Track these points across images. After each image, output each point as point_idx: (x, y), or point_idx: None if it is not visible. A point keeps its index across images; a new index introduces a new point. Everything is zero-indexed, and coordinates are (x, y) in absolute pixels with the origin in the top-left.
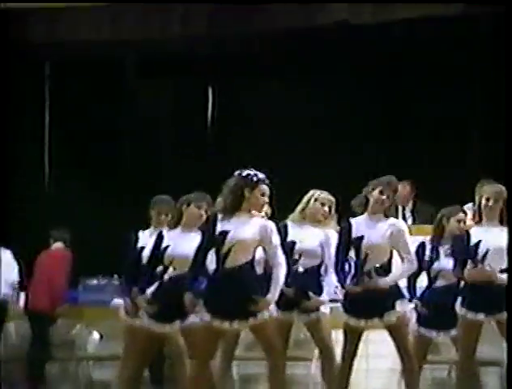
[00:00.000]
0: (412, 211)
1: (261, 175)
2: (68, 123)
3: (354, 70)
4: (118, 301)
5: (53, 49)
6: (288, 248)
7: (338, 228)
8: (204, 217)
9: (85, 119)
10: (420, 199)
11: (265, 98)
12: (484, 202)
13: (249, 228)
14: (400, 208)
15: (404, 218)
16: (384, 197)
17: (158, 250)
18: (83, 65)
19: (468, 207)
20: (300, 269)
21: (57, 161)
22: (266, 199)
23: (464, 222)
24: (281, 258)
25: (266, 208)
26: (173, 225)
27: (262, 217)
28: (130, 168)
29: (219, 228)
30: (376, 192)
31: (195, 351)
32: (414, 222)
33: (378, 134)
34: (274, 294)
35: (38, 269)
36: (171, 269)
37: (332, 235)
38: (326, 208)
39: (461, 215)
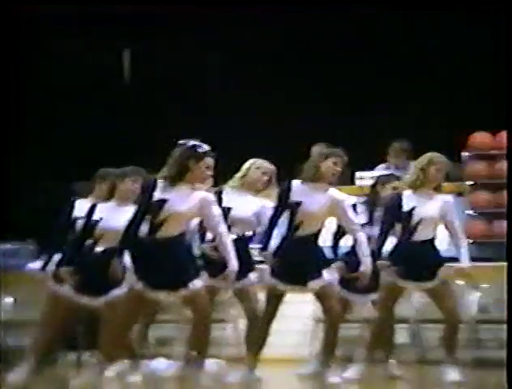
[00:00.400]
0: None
1: (206, 147)
2: None
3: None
4: (34, 266)
5: None
6: (223, 214)
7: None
8: (138, 191)
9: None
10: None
11: (183, 59)
12: (433, 172)
13: (188, 201)
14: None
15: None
16: (338, 168)
17: (89, 221)
18: None
19: (381, 167)
20: (233, 236)
21: None
22: (211, 172)
23: (398, 190)
24: (223, 226)
25: (210, 181)
26: (107, 198)
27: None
28: (49, 135)
29: (158, 196)
30: (330, 162)
31: (119, 317)
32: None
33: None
34: (232, 264)
35: None
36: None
37: (269, 206)
38: (266, 177)
39: (396, 182)
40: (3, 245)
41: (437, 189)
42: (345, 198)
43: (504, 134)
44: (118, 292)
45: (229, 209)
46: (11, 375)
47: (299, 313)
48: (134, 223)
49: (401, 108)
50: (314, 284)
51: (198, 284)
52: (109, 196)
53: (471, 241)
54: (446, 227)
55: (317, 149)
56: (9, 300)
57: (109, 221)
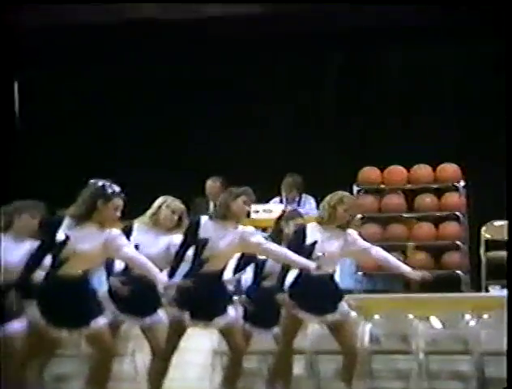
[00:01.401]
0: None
1: (116, 188)
2: None
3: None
4: None
5: None
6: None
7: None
8: (36, 226)
9: None
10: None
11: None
12: (341, 211)
13: (93, 241)
14: (212, 204)
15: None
16: (248, 208)
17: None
18: None
19: (275, 200)
20: (137, 273)
21: None
22: (119, 213)
23: (248, 203)
24: (132, 252)
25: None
26: (3, 230)
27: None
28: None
29: (63, 234)
30: (240, 201)
31: (19, 352)
32: None
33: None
34: (159, 278)
35: None
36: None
37: (177, 242)
38: (176, 217)
39: (299, 219)
40: None
41: (342, 227)
42: (254, 231)
43: (392, 170)
44: (17, 325)
45: (137, 246)
46: None
47: (199, 346)
48: (34, 258)
49: (295, 139)
50: (220, 320)
51: (100, 322)
52: (5, 229)
53: (360, 273)
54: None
55: (211, 183)
56: None
57: (6, 256)
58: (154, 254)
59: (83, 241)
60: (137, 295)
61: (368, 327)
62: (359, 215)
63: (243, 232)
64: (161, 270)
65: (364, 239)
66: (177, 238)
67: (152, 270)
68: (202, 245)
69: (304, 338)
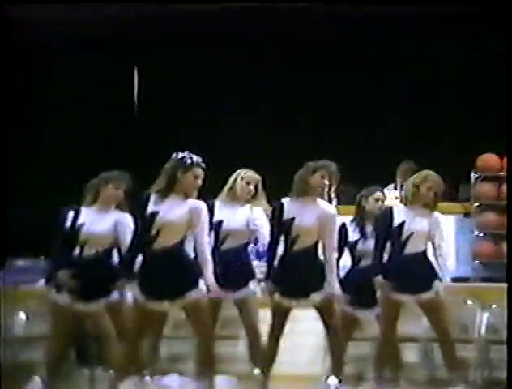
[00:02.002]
0: (337, 193)
1: (196, 158)
2: None
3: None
4: (44, 282)
5: None
6: (216, 227)
7: (267, 206)
8: (121, 197)
9: (8, 98)
10: (343, 181)
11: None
12: (424, 190)
13: (178, 211)
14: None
15: (330, 199)
16: (326, 181)
17: (73, 228)
18: (3, 44)
19: (389, 188)
20: (226, 248)
21: None
22: (199, 182)
23: (382, 201)
24: (205, 238)
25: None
26: (90, 203)
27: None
28: (58, 150)
29: (151, 209)
30: (317, 176)
31: (126, 331)
32: (339, 203)
33: (308, 119)
34: (208, 277)
35: None
36: (87, 247)
37: (259, 213)
38: (252, 187)
39: (378, 194)
40: (16, 261)
41: (428, 206)
42: (335, 212)
43: None
44: (117, 296)
45: (220, 222)
46: None
47: (312, 329)
48: (135, 234)
49: (411, 128)
50: (316, 296)
51: (196, 293)
52: (93, 201)
53: (477, 261)
54: (432, 243)
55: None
56: (22, 316)
57: (93, 226)
58: (235, 229)
59: (170, 212)
60: (227, 269)
61: (485, 316)
62: (476, 203)
63: (324, 209)
64: (249, 241)
65: (482, 227)
66: (258, 213)
67: (207, 267)
68: (288, 225)
69: (418, 325)
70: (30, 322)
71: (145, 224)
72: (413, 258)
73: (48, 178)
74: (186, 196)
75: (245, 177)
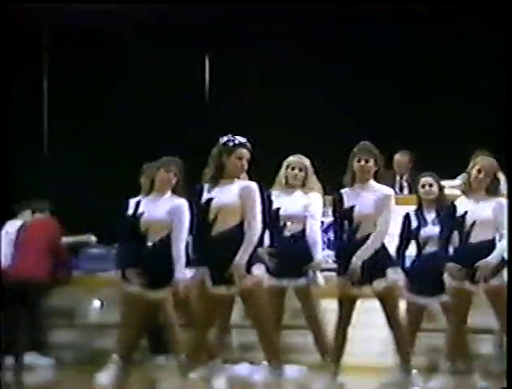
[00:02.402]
0: (410, 181)
1: (239, 139)
2: (67, 91)
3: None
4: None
5: (52, 15)
6: (274, 215)
7: (321, 190)
8: (174, 181)
9: (83, 88)
10: (417, 169)
11: (264, 65)
12: (474, 172)
13: (230, 193)
14: (398, 177)
15: (401, 187)
16: (362, 163)
17: (134, 217)
18: (81, 32)
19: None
20: (287, 234)
21: (56, 129)
22: (244, 163)
23: (430, 185)
24: (257, 221)
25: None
26: (147, 192)
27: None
28: (130, 138)
29: (205, 196)
30: (355, 161)
31: (193, 318)
32: (410, 192)
33: (380, 106)
34: (242, 257)
35: (22, 240)
36: (149, 235)
37: (315, 198)
38: (297, 171)
39: (423, 179)
40: (90, 249)
41: (488, 192)
42: (391, 193)
43: None
44: (182, 279)
45: (278, 209)
46: (100, 377)
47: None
48: (195, 225)
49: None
50: (380, 283)
51: (251, 279)
52: (150, 189)
53: None
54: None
55: (399, 157)
56: (97, 303)
57: (151, 213)
58: (292, 214)
59: (223, 196)
60: (289, 256)
61: None
62: None
63: (381, 193)
64: (303, 230)
65: None
66: (315, 198)
67: (246, 250)
68: (349, 213)
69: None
70: (104, 309)
71: (201, 211)
72: (480, 246)
73: (122, 168)
74: (234, 178)
75: (290, 163)
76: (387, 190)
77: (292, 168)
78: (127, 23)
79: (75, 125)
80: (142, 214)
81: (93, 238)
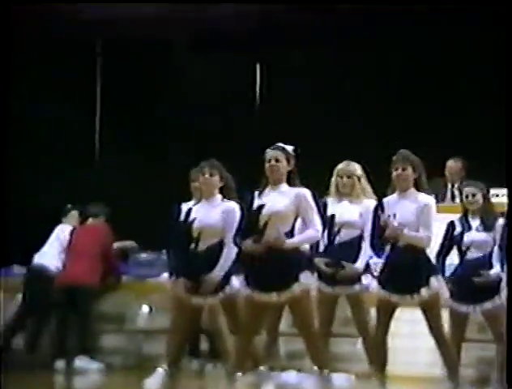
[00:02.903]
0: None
1: (277, 146)
2: (119, 100)
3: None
4: (166, 275)
5: (104, 25)
6: (328, 222)
7: (374, 196)
8: (218, 183)
9: (136, 96)
10: (469, 177)
11: (315, 73)
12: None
13: (283, 200)
14: (449, 185)
15: (453, 195)
16: (399, 172)
17: (186, 223)
18: (134, 42)
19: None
20: (339, 241)
21: (107, 137)
22: (272, 164)
23: (473, 195)
24: (317, 224)
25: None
26: (198, 197)
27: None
28: (181, 145)
29: (257, 203)
30: (393, 170)
31: (240, 325)
32: (461, 200)
33: (431, 113)
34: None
35: (74, 244)
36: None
37: (370, 205)
38: (345, 179)
39: (466, 189)
40: (139, 255)
41: None
42: (431, 202)
43: None
44: (232, 289)
45: (333, 216)
46: (148, 382)
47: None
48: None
49: None
50: (424, 292)
51: (297, 288)
52: (200, 195)
53: None
54: None
55: (452, 163)
56: (145, 308)
57: (203, 219)
58: (348, 221)
59: (275, 202)
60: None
61: None
62: None
63: (421, 202)
64: (360, 235)
65: None
66: (363, 207)
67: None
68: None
69: None
70: (153, 315)
71: (252, 218)
72: None
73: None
74: (281, 184)
75: (338, 171)
76: (427, 198)
77: (341, 177)
78: (178, 32)
79: (127, 130)
80: (194, 220)
81: (135, 245)
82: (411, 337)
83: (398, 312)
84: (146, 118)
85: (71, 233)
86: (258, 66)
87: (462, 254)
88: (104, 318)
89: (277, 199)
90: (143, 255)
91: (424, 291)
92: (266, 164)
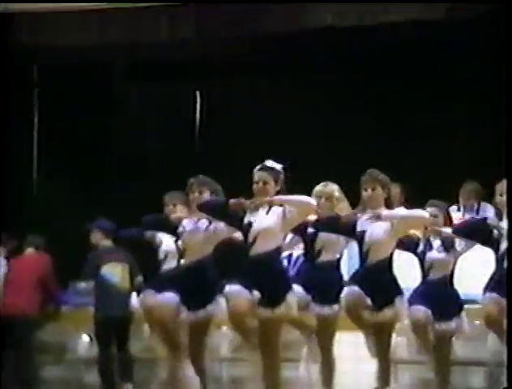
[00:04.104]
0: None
1: (264, 164)
2: (57, 126)
3: (342, 71)
4: None
5: (40, 52)
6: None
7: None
8: (197, 198)
9: (73, 123)
10: (409, 201)
11: (254, 100)
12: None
13: (271, 218)
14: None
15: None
16: (369, 192)
17: (176, 238)
18: (71, 68)
19: (453, 209)
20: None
21: (45, 164)
22: (261, 185)
23: (434, 216)
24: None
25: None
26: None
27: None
28: (119, 171)
29: (247, 220)
30: (362, 190)
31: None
32: None
33: (367, 136)
34: None
35: (13, 275)
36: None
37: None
38: (323, 200)
39: (428, 210)
40: (79, 283)
41: None
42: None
43: None
44: (214, 307)
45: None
46: None
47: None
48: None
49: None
50: (388, 311)
51: (292, 300)
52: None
53: None
54: None
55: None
56: (86, 338)
57: (188, 234)
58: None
59: (262, 220)
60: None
61: None
62: None
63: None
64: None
65: None
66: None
67: None
68: (360, 238)
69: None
70: (93, 344)
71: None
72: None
73: (112, 203)
74: (269, 203)
75: (315, 192)
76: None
77: (319, 197)
78: (117, 60)
79: (66, 161)
80: (179, 235)
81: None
82: (354, 360)
83: (341, 335)
84: (84, 145)
85: (9, 264)
86: (197, 94)
87: (424, 273)
88: (44, 349)
89: (265, 217)
90: (82, 284)
91: (387, 310)
92: (254, 186)
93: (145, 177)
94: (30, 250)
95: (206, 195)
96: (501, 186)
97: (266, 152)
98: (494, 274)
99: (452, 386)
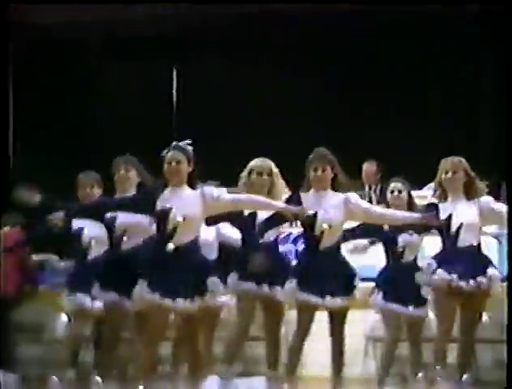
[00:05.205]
0: (377, 190)
1: (174, 144)
2: (32, 103)
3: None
4: None
5: (15, 28)
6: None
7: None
8: (135, 179)
9: (48, 100)
10: (386, 179)
11: (231, 77)
12: (443, 176)
13: (192, 205)
14: (367, 188)
15: (370, 198)
16: (319, 173)
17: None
18: (47, 45)
19: (430, 186)
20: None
21: (21, 140)
22: (173, 164)
23: (399, 191)
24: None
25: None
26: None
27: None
28: (94, 147)
29: (161, 205)
30: (311, 170)
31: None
32: (379, 203)
33: (349, 117)
34: None
35: None
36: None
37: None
38: (265, 176)
39: (392, 185)
40: (57, 263)
41: (468, 194)
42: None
43: None
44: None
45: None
46: None
47: (351, 331)
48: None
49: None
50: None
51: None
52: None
53: None
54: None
55: (367, 166)
56: (64, 318)
57: (120, 216)
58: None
59: (186, 207)
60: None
61: None
62: None
63: (346, 198)
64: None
65: None
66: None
67: None
68: (312, 220)
69: None
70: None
71: (161, 222)
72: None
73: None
74: (186, 187)
75: (257, 168)
76: (344, 195)
77: (260, 173)
78: (96, 36)
79: (42, 135)
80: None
81: (54, 257)
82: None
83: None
84: (60, 122)
85: None
86: (174, 70)
87: (394, 255)
88: (21, 328)
89: (187, 204)
90: (61, 264)
91: (356, 292)
92: (166, 166)
93: (121, 153)
94: (6, 229)
95: (133, 174)
96: (445, 164)
97: (243, 130)
98: None
99: None
